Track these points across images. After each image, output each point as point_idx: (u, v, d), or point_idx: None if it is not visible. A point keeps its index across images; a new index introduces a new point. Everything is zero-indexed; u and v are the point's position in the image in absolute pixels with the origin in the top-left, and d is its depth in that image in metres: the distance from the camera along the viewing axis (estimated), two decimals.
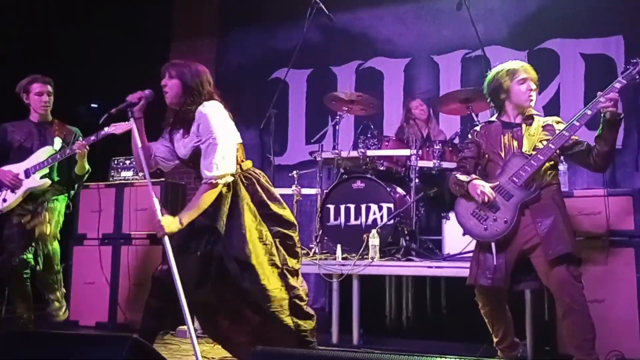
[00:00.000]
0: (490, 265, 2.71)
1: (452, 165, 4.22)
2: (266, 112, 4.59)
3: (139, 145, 2.57)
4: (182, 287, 2.39)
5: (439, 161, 4.07)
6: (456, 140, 4.39)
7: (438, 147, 4.10)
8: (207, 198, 2.44)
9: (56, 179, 3.67)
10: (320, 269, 3.77)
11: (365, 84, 5.43)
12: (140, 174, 4.44)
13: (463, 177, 2.84)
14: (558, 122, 2.83)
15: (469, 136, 2.99)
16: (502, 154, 2.80)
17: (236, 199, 2.52)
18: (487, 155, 2.87)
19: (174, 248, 2.45)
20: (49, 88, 3.66)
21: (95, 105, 5.64)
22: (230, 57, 6.24)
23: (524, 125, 2.83)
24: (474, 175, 2.84)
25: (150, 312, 2.58)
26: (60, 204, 3.68)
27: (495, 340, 2.92)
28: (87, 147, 3.54)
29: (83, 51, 5.53)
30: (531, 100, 2.81)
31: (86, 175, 3.78)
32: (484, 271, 2.75)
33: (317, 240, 4.20)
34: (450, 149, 4.20)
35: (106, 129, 3.49)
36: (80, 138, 3.69)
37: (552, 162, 2.77)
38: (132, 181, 4.44)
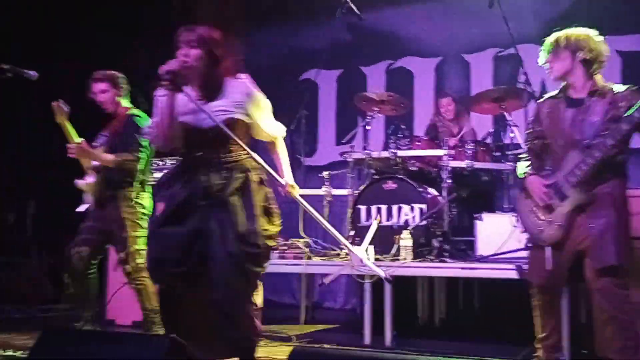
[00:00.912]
0: (544, 266, 2.63)
1: (485, 165, 4.19)
2: (295, 113, 4.61)
3: (170, 120, 2.43)
4: (160, 262, 2.40)
5: (471, 161, 4.02)
6: (489, 140, 4.34)
7: (471, 147, 4.05)
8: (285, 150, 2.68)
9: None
10: (352, 270, 3.76)
11: (395, 83, 5.41)
12: None
13: (523, 168, 2.72)
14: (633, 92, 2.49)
15: (534, 114, 2.77)
16: (562, 144, 2.58)
17: (247, 180, 2.46)
18: (549, 140, 2.65)
19: (160, 220, 2.43)
20: (102, 86, 3.53)
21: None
22: (259, 58, 6.27)
23: (589, 102, 2.54)
24: (528, 170, 2.72)
25: (164, 296, 2.56)
26: (127, 211, 3.50)
27: (540, 336, 2.79)
28: (81, 147, 3.38)
29: (104, 51, 5.64)
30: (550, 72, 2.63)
31: (130, 164, 3.49)
32: (539, 270, 2.68)
33: (349, 241, 4.18)
34: (483, 148, 4.15)
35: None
36: (139, 120, 3.51)
37: (615, 151, 2.48)
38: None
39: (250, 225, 2.37)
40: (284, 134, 2.70)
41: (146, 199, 3.52)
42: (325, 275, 5.16)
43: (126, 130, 3.49)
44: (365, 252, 2.54)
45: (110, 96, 3.54)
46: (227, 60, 2.48)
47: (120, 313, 4.36)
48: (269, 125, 2.59)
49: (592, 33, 2.59)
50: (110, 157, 3.42)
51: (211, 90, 2.46)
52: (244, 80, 2.51)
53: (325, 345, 3.50)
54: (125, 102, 3.61)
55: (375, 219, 3.70)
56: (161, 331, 3.52)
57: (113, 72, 3.60)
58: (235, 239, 2.34)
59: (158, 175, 4.59)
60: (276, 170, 2.66)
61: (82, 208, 3.61)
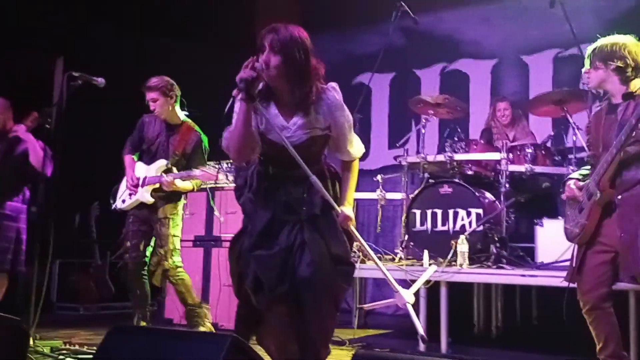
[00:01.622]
0: (573, 265, 2.66)
1: (545, 169, 4.07)
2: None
3: (250, 131, 2.22)
4: (259, 287, 2.24)
5: (531, 165, 3.92)
6: (549, 144, 4.21)
7: (530, 150, 3.95)
8: (357, 174, 2.38)
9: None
10: (407, 275, 3.73)
11: (450, 86, 5.33)
12: (230, 177, 4.58)
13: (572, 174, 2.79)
14: None
15: (587, 125, 2.81)
16: (602, 147, 2.60)
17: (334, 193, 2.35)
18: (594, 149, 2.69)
19: (250, 246, 2.27)
20: (154, 95, 3.59)
21: (187, 114, 5.92)
22: None
23: (623, 107, 2.57)
24: (573, 174, 2.78)
25: (242, 320, 2.49)
26: (170, 211, 3.65)
27: (598, 347, 2.71)
28: (174, 184, 3.54)
29: (166, 60, 5.81)
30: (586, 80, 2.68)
31: (196, 187, 3.76)
32: (572, 272, 2.69)
33: (403, 246, 4.16)
34: (543, 152, 4.03)
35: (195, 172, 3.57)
36: (204, 144, 3.66)
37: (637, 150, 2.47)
38: (223, 185, 4.59)
39: (338, 242, 2.26)
40: (358, 155, 2.39)
41: (182, 202, 3.76)
42: (382, 279, 5.18)
43: (197, 153, 3.67)
44: (412, 296, 2.46)
45: (161, 104, 3.61)
46: (315, 67, 2.20)
47: (177, 312, 4.48)
48: (351, 143, 2.32)
49: (629, 40, 2.60)
50: (190, 186, 3.66)
51: (296, 102, 2.21)
52: (333, 92, 2.24)
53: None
54: (178, 110, 3.70)
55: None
56: (206, 326, 3.67)
57: (163, 79, 3.63)
58: (326, 256, 2.23)
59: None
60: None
61: (120, 206, 3.71)
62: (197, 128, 3.73)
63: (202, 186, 4.64)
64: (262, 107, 2.22)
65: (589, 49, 2.69)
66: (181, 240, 4.56)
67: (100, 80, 3.46)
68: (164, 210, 3.61)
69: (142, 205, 3.65)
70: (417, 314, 3.81)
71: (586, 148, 2.89)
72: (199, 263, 4.51)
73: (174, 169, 3.62)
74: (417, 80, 5.66)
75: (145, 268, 3.65)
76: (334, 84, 2.27)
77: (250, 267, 2.27)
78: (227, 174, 4.62)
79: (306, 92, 2.18)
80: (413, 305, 2.50)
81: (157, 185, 3.61)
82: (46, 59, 5.80)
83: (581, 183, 2.67)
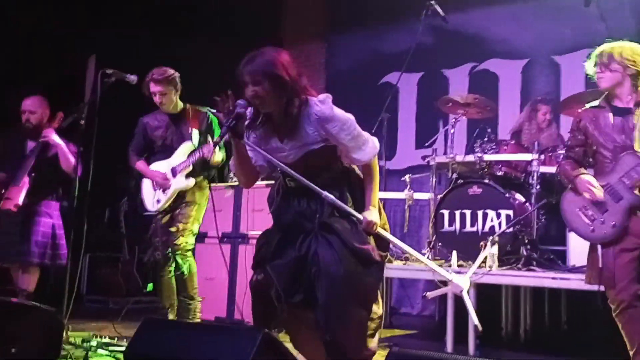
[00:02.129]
0: (598, 267, 2.62)
1: None
2: (375, 117, 4.59)
3: (249, 162, 2.34)
4: (277, 296, 2.30)
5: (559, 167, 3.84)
6: None
7: (562, 151, 3.87)
8: (378, 168, 2.38)
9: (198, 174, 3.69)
10: (435, 276, 3.70)
11: (478, 86, 5.27)
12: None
13: (571, 170, 2.76)
14: None
15: (574, 122, 2.85)
16: (611, 148, 2.67)
17: (344, 198, 2.36)
18: (594, 147, 2.75)
19: (270, 255, 2.34)
20: (161, 88, 3.58)
21: (213, 110, 5.96)
22: (339, 62, 6.33)
23: (636, 112, 2.64)
24: (582, 170, 2.75)
25: (259, 318, 2.51)
26: (199, 197, 3.69)
27: (631, 352, 2.66)
28: (214, 150, 3.52)
29: (192, 57, 5.87)
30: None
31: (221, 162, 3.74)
32: (596, 272, 2.65)
33: (430, 246, 4.13)
34: None
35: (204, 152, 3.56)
36: (214, 120, 3.64)
37: None
38: None
39: (360, 241, 2.28)
40: (372, 159, 2.37)
41: (207, 190, 3.75)
42: (407, 279, 5.16)
43: (211, 129, 3.66)
44: (467, 282, 2.43)
45: (169, 97, 3.63)
46: (299, 85, 2.23)
47: (204, 307, 4.51)
48: (355, 149, 2.30)
49: None
50: (221, 157, 3.65)
51: (286, 126, 2.25)
52: (319, 106, 2.24)
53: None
54: (178, 99, 3.71)
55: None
56: (197, 319, 3.67)
57: (169, 70, 3.63)
58: (344, 255, 2.24)
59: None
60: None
61: (156, 207, 3.70)
62: (202, 108, 3.71)
63: (229, 184, 4.71)
64: (255, 135, 2.30)
65: (601, 50, 2.82)
66: (208, 237, 4.66)
67: (133, 77, 3.50)
68: (192, 194, 3.64)
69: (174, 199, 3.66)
70: (445, 316, 3.80)
71: (568, 144, 2.92)
72: (225, 259, 4.54)
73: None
74: (445, 80, 5.61)
75: (172, 267, 3.66)
76: (321, 97, 2.28)
77: (269, 273, 2.33)
78: None
79: (295, 112, 2.21)
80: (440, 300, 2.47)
81: (190, 169, 3.60)
82: (78, 57, 5.92)
83: (597, 182, 2.66)
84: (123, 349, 3.04)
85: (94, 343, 3.21)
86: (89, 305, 5.33)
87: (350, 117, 2.31)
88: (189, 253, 3.64)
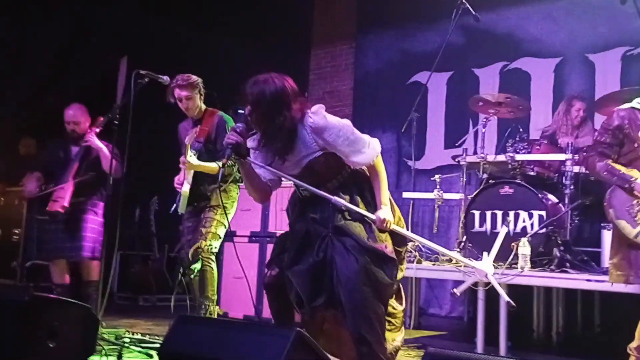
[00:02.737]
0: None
1: None
2: (404, 116, 4.56)
3: (256, 180, 2.51)
4: (301, 301, 2.42)
5: (586, 162, 3.76)
6: None
7: None
8: (384, 168, 2.49)
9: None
10: (465, 276, 3.66)
11: (510, 85, 5.20)
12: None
13: (625, 171, 2.72)
14: None
15: (611, 121, 2.80)
16: None
17: (354, 201, 2.48)
18: (635, 145, 2.73)
19: (289, 262, 2.44)
20: (187, 92, 3.58)
21: (242, 111, 5.97)
22: (367, 62, 6.32)
23: None
24: (637, 172, 2.71)
25: (278, 316, 2.61)
26: (225, 197, 3.62)
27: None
28: (189, 161, 3.43)
29: (223, 57, 5.91)
30: None
31: (230, 169, 3.55)
32: (636, 270, 2.62)
33: (461, 247, 4.09)
34: None
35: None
36: (229, 124, 3.57)
37: None
38: None
39: (374, 240, 2.38)
40: (373, 161, 2.45)
41: (234, 193, 3.69)
42: (435, 280, 5.11)
43: (222, 134, 3.53)
44: (491, 266, 2.43)
45: (194, 102, 3.62)
46: (294, 106, 2.35)
47: (232, 306, 4.56)
48: (354, 154, 2.39)
49: None
50: (215, 166, 3.48)
51: (283, 143, 2.36)
52: (312, 117, 2.36)
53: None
54: (203, 105, 3.69)
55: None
56: None
57: (192, 76, 3.65)
58: (359, 256, 2.34)
59: None
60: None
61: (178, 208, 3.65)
62: (219, 113, 3.67)
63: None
64: (260, 152, 2.45)
65: None
66: (237, 236, 4.69)
67: (165, 78, 3.55)
68: (217, 198, 3.57)
69: (195, 199, 3.59)
70: (474, 317, 3.76)
71: (602, 140, 2.84)
72: (254, 258, 4.57)
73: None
74: (475, 79, 5.55)
75: (197, 264, 3.62)
76: (314, 108, 2.39)
77: (291, 282, 2.44)
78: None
79: (290, 130, 2.34)
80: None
81: (191, 176, 3.52)
82: (111, 59, 6.02)
83: None
84: (155, 345, 3.09)
85: (126, 339, 3.26)
86: (119, 302, 5.42)
87: (345, 122, 2.43)
88: (213, 257, 3.58)
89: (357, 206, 2.42)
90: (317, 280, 2.39)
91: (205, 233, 3.53)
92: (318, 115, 2.37)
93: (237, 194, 3.72)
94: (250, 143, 2.45)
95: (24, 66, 5.89)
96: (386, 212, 2.41)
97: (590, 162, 2.87)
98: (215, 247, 3.60)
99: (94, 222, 4.12)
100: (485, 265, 2.46)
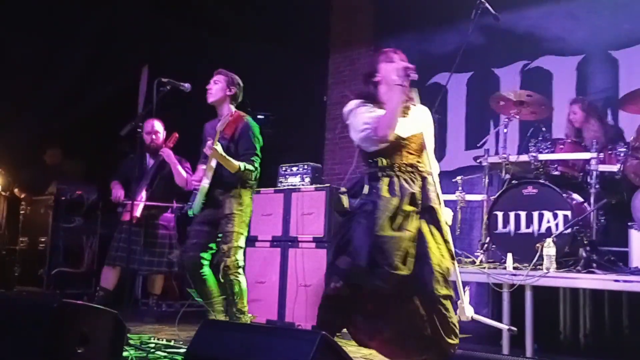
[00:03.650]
0: None
1: None
2: None
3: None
4: (356, 272, 2.46)
5: (623, 165, 3.70)
6: None
7: (623, 149, 3.74)
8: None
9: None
10: (489, 278, 3.63)
11: (531, 84, 5.12)
12: (307, 179, 4.64)
13: None
14: None
15: None
16: None
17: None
18: None
19: (380, 225, 2.48)
20: (219, 78, 3.60)
21: (262, 117, 5.99)
22: None
23: None
24: None
25: (325, 325, 2.59)
26: (236, 208, 3.56)
27: None
28: (216, 148, 3.38)
29: (242, 63, 5.95)
30: None
31: (247, 173, 3.52)
32: None
33: (484, 249, 4.05)
34: None
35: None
36: (255, 131, 3.59)
37: None
38: (299, 187, 4.65)
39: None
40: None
41: (247, 198, 3.60)
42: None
43: (244, 137, 3.54)
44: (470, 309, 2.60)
45: (220, 88, 3.57)
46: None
47: (255, 310, 4.56)
48: (433, 157, 2.74)
49: None
50: (237, 164, 3.47)
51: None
52: (423, 107, 2.84)
53: None
54: (231, 106, 3.64)
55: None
56: None
57: (234, 74, 3.66)
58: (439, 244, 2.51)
59: (292, 180, 4.78)
60: None
61: (190, 209, 3.64)
62: (247, 117, 3.64)
63: (279, 188, 4.73)
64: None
65: None
66: (259, 240, 4.71)
67: (187, 86, 3.59)
68: (230, 206, 3.51)
69: (208, 204, 3.56)
70: (501, 319, 3.71)
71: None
72: (276, 263, 4.58)
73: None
74: (495, 79, 5.50)
75: (203, 268, 3.59)
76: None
77: (374, 247, 2.48)
78: (304, 176, 4.69)
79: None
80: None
81: (211, 171, 3.49)
82: (132, 68, 6.12)
83: None
84: (181, 350, 3.12)
85: (152, 345, 3.29)
86: (143, 309, 5.47)
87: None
88: (240, 270, 3.54)
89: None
90: (404, 253, 2.46)
91: (227, 250, 3.48)
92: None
93: (251, 199, 3.64)
94: None
95: (48, 77, 6.01)
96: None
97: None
98: (241, 260, 3.56)
99: (164, 237, 4.38)
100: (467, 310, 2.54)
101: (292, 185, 4.73)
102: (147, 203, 4.39)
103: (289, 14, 5.95)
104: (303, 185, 4.65)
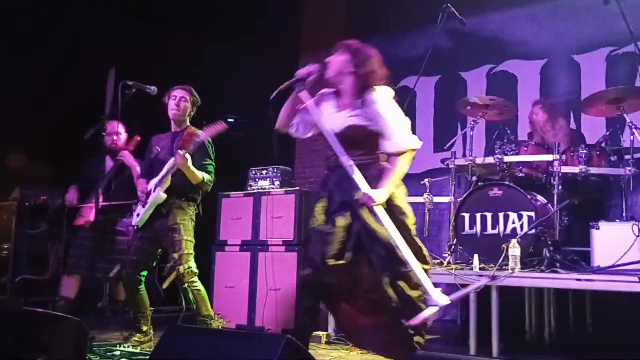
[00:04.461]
0: None
1: (600, 170, 3.94)
2: None
3: (289, 111, 2.81)
4: (321, 261, 2.55)
5: (585, 166, 3.80)
6: (604, 144, 4.08)
7: (584, 151, 3.83)
8: (408, 165, 2.68)
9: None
10: (456, 279, 3.67)
11: (497, 88, 5.24)
12: (277, 182, 4.63)
13: None
14: None
15: None
16: None
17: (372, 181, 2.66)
18: None
19: (320, 220, 2.64)
20: (185, 94, 3.66)
21: (232, 119, 5.96)
22: None
23: None
24: None
25: (306, 312, 2.73)
26: (180, 219, 3.60)
27: None
28: (187, 157, 3.45)
29: (212, 65, 5.92)
30: None
31: (207, 185, 3.65)
32: None
33: (451, 250, 4.10)
34: (598, 153, 3.90)
35: (201, 135, 3.48)
36: (208, 146, 3.67)
37: None
38: (269, 190, 4.63)
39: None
40: (410, 150, 2.71)
41: (191, 210, 3.68)
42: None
43: (202, 150, 3.62)
44: (445, 300, 2.60)
45: (185, 106, 3.67)
46: (366, 74, 2.67)
47: (225, 315, 4.51)
48: (395, 135, 2.64)
49: None
50: (200, 176, 3.56)
51: (345, 99, 2.70)
52: (373, 95, 2.65)
53: None
54: (189, 122, 3.74)
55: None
56: None
57: (191, 88, 3.73)
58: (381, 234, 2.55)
59: (262, 183, 4.76)
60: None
61: (135, 221, 3.68)
62: (199, 132, 3.66)
63: (249, 191, 4.72)
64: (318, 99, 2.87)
65: None
66: (228, 245, 4.68)
67: (153, 89, 3.56)
68: (174, 217, 3.58)
69: (152, 219, 3.61)
70: (467, 320, 3.76)
71: None
72: (245, 267, 4.56)
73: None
74: (462, 83, 5.58)
75: (141, 285, 3.67)
76: (386, 88, 2.73)
77: (313, 241, 2.67)
78: (274, 179, 4.68)
79: (355, 91, 2.75)
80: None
81: (168, 183, 3.55)
82: (100, 71, 6.02)
83: None
84: (147, 357, 3.08)
85: (117, 352, 3.24)
86: (111, 315, 5.37)
87: (398, 111, 2.76)
88: (195, 277, 3.57)
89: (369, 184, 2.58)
90: (340, 244, 2.55)
91: (179, 257, 3.51)
92: (386, 90, 2.67)
93: (194, 212, 3.71)
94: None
95: (14, 81, 5.87)
96: (379, 193, 2.54)
97: None
98: (194, 267, 3.59)
99: (121, 243, 4.19)
100: (442, 298, 2.55)
101: (262, 188, 4.72)
102: (104, 204, 4.12)
103: (259, 16, 5.94)
104: (273, 188, 4.64)
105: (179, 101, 3.65)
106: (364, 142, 2.68)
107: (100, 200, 4.01)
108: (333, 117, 2.72)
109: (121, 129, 4.38)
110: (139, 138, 4.25)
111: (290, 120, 2.84)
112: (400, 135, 2.64)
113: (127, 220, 4.31)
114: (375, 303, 2.61)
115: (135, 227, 3.65)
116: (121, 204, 4.22)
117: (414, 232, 2.67)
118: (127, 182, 4.17)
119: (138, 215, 3.66)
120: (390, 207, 2.59)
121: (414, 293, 2.56)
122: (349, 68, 2.68)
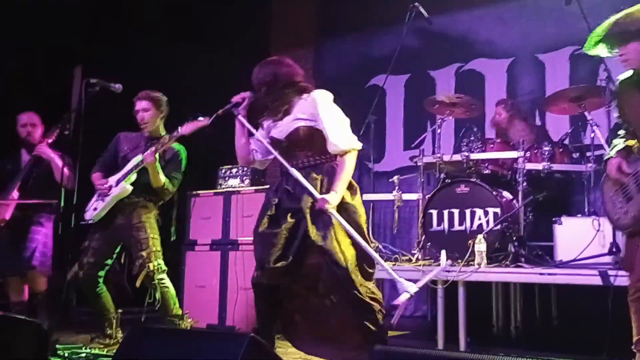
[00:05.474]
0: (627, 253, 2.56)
1: (563, 167, 4.03)
2: (363, 120, 4.61)
3: (243, 141, 2.84)
4: (262, 264, 2.59)
5: (548, 163, 3.88)
6: (567, 141, 4.17)
7: (547, 148, 3.91)
8: (353, 164, 2.65)
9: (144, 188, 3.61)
10: (424, 275, 3.70)
11: (465, 86, 5.31)
12: (247, 181, 4.61)
13: (610, 151, 2.57)
14: None
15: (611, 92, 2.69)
16: None
17: (322, 184, 2.66)
18: (631, 126, 2.50)
19: (261, 224, 2.68)
20: (147, 105, 3.63)
21: (202, 119, 5.92)
22: (327, 67, 6.35)
23: None
24: (612, 154, 2.53)
25: (262, 313, 2.73)
26: (145, 217, 3.59)
27: (635, 338, 2.57)
28: (156, 157, 3.45)
29: (182, 63, 5.85)
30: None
31: (165, 192, 3.63)
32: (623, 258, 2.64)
33: (420, 247, 4.14)
34: (560, 150, 3.99)
35: (179, 129, 3.40)
36: (183, 157, 3.67)
37: None
38: (239, 189, 4.61)
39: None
40: (352, 150, 2.67)
41: (155, 210, 3.68)
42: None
43: (174, 160, 3.63)
44: (414, 288, 2.57)
45: (151, 115, 3.63)
46: (294, 84, 2.74)
47: (195, 315, 4.49)
48: (334, 137, 2.62)
49: None
50: (163, 180, 3.54)
51: (278, 113, 2.73)
52: (311, 97, 2.69)
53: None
54: (162, 127, 3.70)
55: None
56: None
57: (156, 92, 3.69)
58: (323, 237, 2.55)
59: (232, 182, 4.74)
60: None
61: (91, 215, 3.59)
62: (179, 147, 3.71)
63: (218, 190, 4.70)
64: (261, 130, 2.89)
65: (605, 27, 2.59)
66: (198, 244, 4.65)
67: (117, 86, 3.50)
68: (138, 215, 3.54)
69: (111, 217, 3.55)
70: (435, 314, 3.81)
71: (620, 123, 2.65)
72: (216, 266, 4.52)
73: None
74: (432, 81, 5.65)
75: (99, 285, 3.60)
76: (318, 92, 2.75)
77: (258, 244, 2.72)
78: (244, 177, 4.66)
79: (286, 103, 2.76)
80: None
81: (133, 178, 3.51)
82: (65, 68, 5.90)
83: (626, 167, 2.47)
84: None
85: (82, 355, 3.19)
86: (78, 317, 5.28)
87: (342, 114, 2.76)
88: (164, 274, 3.54)
89: (317, 187, 2.60)
90: (284, 247, 2.56)
91: (147, 255, 3.48)
92: (324, 92, 2.71)
93: (157, 212, 3.71)
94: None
95: None
96: (332, 197, 2.55)
97: None
98: (163, 265, 3.56)
99: (38, 233, 3.95)
100: (411, 287, 2.57)
101: (231, 187, 4.69)
102: (19, 202, 3.95)
103: (229, 14, 5.90)
104: (243, 187, 4.62)
105: (141, 115, 3.63)
106: (313, 142, 2.68)
107: (16, 196, 3.89)
108: (278, 126, 2.73)
109: (36, 119, 4.14)
110: (58, 129, 3.97)
111: (248, 148, 2.86)
112: (338, 135, 2.62)
113: (46, 215, 4.04)
114: (319, 304, 2.61)
115: (90, 222, 3.56)
116: (39, 199, 4.00)
117: (366, 230, 2.70)
118: (46, 176, 3.94)
119: (95, 209, 3.56)
120: (344, 206, 2.60)
121: (361, 290, 2.56)
122: (274, 88, 2.73)
